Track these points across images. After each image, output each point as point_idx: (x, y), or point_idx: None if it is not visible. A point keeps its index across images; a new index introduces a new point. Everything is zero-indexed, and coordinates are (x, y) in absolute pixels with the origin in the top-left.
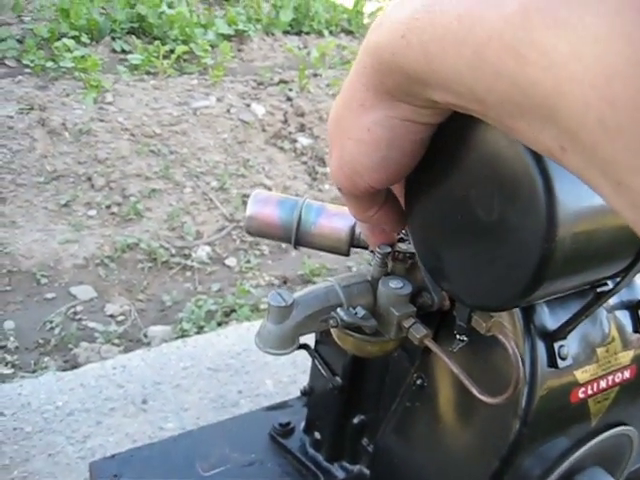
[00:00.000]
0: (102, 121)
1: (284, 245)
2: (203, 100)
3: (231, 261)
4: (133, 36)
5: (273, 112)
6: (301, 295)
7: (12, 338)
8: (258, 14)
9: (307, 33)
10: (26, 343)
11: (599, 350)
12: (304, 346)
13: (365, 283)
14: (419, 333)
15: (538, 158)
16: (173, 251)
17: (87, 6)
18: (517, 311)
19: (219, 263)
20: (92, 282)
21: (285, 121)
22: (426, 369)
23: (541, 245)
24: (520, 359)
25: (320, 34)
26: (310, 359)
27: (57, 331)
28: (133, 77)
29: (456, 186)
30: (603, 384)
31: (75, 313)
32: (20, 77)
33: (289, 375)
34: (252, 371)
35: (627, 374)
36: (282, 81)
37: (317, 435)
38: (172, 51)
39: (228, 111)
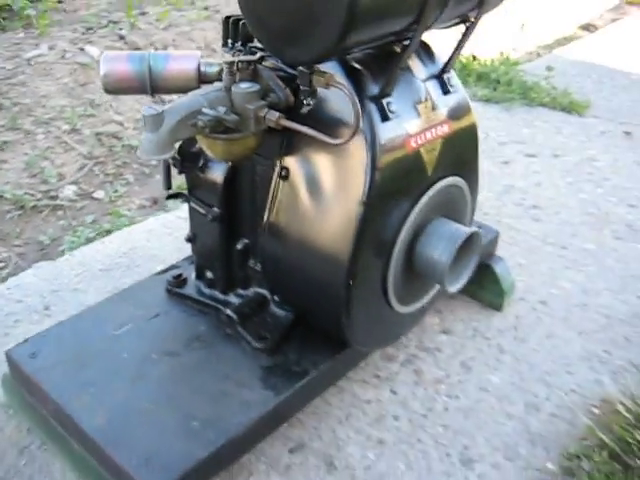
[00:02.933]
0: None
1: (147, 170)
2: (34, 50)
3: (99, 194)
4: None
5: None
6: (169, 105)
7: None
8: None
9: None
10: None
11: (419, 107)
12: (179, 195)
13: (221, 91)
14: (274, 116)
15: None
16: (39, 195)
17: None
18: (345, 78)
19: (88, 198)
20: None
21: None
22: (287, 162)
23: None
24: (354, 97)
25: None
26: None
27: None
28: None
29: None
30: (429, 135)
31: None
32: None
33: (176, 259)
34: (142, 264)
35: (446, 128)
36: (111, 22)
37: (209, 274)
38: None
39: (63, 57)
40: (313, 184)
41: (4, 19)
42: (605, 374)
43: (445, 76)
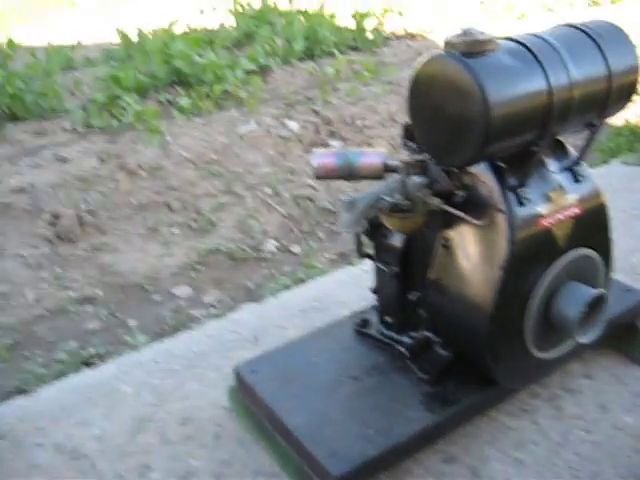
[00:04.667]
0: (168, 157)
1: (336, 229)
2: (246, 126)
3: (295, 249)
4: (175, 87)
5: (305, 125)
6: (361, 194)
7: (138, 331)
8: (274, 48)
9: (319, 56)
10: (148, 334)
11: (552, 194)
12: (368, 255)
13: (399, 182)
14: (437, 202)
15: (476, 75)
16: (247, 249)
17: (133, 71)
18: (490, 173)
19: (286, 252)
20: (188, 283)
21: (317, 131)
22: (447, 234)
23: (483, 121)
24: (496, 188)
25: (331, 55)
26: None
27: (169, 322)
28: (183, 119)
29: (436, 104)
30: (560, 216)
31: (180, 307)
32: (90, 137)
33: (359, 305)
34: (332, 307)
35: (577, 210)
36: (307, 98)
37: (388, 319)
38: (208, 93)
39: (268, 131)
40: (466, 252)
41: (221, 99)
42: None
43: (576, 168)
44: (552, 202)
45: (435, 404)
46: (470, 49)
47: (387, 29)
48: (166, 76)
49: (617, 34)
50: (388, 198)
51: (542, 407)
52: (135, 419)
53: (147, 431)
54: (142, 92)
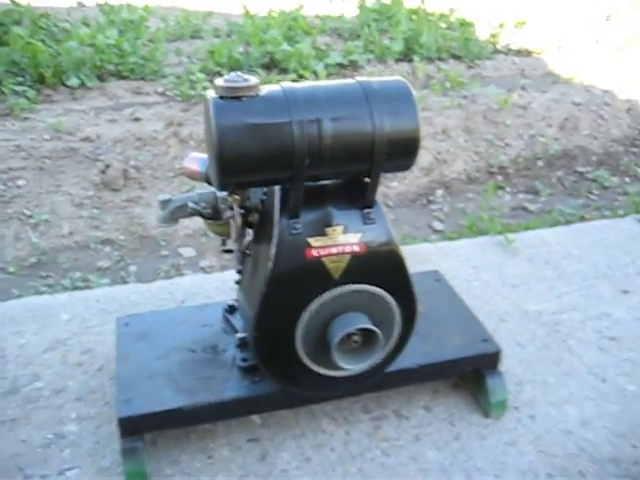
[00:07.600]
0: None
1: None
2: None
3: None
4: (265, 69)
5: None
6: (176, 196)
7: (132, 277)
8: (373, 46)
9: (420, 60)
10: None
11: (327, 229)
12: (230, 250)
13: (211, 192)
14: (229, 214)
15: (216, 113)
16: None
17: (229, 48)
18: (279, 204)
19: None
20: (195, 246)
21: None
22: (250, 244)
23: (217, 154)
24: (238, 216)
25: (430, 60)
26: None
27: (162, 275)
28: None
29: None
30: (334, 250)
31: (178, 265)
32: (172, 103)
33: None
34: None
35: (356, 248)
36: None
37: None
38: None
39: None
40: (256, 263)
41: None
42: None
43: (365, 210)
44: (327, 236)
45: (247, 383)
46: (228, 93)
47: (503, 41)
48: (261, 57)
49: (400, 92)
50: (192, 205)
51: (361, 422)
52: None
53: None
54: (236, 69)
